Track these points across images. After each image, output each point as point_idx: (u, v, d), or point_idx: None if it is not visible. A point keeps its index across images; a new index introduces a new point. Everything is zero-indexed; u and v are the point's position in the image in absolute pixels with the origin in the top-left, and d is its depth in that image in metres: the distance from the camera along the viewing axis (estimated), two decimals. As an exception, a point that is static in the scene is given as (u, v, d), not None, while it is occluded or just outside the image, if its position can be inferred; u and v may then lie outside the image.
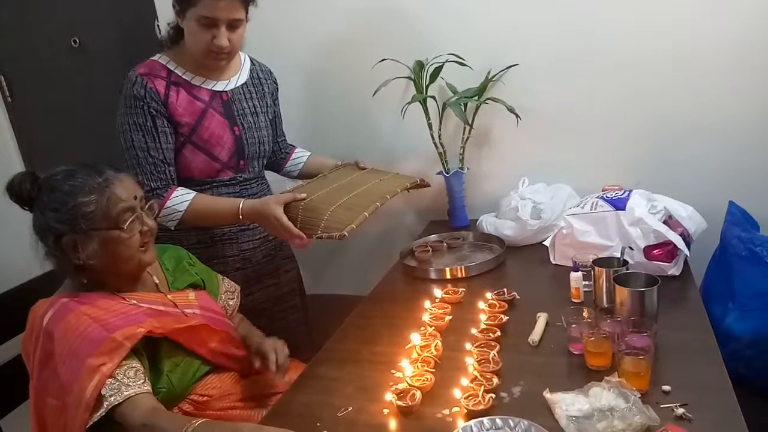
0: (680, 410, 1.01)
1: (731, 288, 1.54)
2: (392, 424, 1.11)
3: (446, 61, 1.96)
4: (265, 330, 1.53)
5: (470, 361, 1.22)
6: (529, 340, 1.31)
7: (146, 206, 1.26)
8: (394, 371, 1.26)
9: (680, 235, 1.51)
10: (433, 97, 2.02)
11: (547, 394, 1.08)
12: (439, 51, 1.97)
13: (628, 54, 1.88)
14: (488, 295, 1.52)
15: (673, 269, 1.53)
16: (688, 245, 1.52)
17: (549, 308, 1.41)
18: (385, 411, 1.14)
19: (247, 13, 1.56)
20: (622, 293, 1.26)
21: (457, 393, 1.13)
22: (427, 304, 1.52)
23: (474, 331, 1.36)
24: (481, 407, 1.07)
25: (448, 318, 1.43)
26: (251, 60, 1.78)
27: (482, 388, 1.11)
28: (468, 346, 1.28)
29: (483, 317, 1.41)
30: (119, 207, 1.19)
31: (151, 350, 1.23)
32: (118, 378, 1.11)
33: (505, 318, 1.39)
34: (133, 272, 1.27)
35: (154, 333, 1.21)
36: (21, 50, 2.71)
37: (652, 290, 1.25)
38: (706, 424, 0.99)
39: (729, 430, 0.98)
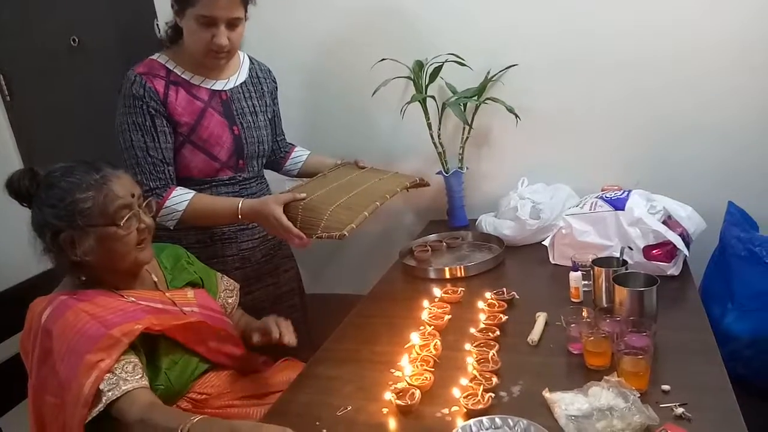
0: (679, 410, 1.01)
1: (730, 288, 1.54)
2: (391, 423, 1.11)
3: (446, 61, 1.96)
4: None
5: (470, 361, 1.21)
6: (528, 339, 1.31)
7: (144, 204, 1.26)
8: (393, 370, 1.26)
9: (679, 235, 1.51)
10: (433, 97, 2.02)
11: (546, 394, 1.08)
12: (439, 51, 1.97)
13: (628, 54, 1.88)
14: (487, 294, 1.51)
15: (673, 269, 1.53)
16: (687, 245, 1.52)
17: (548, 308, 1.41)
18: (385, 410, 1.14)
19: (246, 11, 1.56)
20: (622, 293, 1.26)
21: (456, 392, 1.13)
22: (426, 303, 1.52)
23: (473, 330, 1.36)
24: (480, 406, 1.07)
25: (447, 317, 1.43)
26: (250, 59, 1.78)
27: (481, 388, 1.11)
28: (467, 345, 1.28)
29: (482, 317, 1.41)
30: (116, 204, 1.19)
31: (150, 347, 1.23)
32: (116, 373, 1.11)
33: (504, 317, 1.39)
34: (130, 270, 1.27)
35: (152, 330, 1.21)
36: (20, 49, 2.71)
37: (652, 290, 1.25)
38: (705, 423, 0.99)
39: (728, 429, 0.98)
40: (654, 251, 1.52)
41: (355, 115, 2.22)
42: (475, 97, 1.96)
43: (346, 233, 1.39)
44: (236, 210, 1.53)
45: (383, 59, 1.99)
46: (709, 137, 1.87)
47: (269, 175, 1.89)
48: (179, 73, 1.61)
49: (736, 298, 1.53)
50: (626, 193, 1.64)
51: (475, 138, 2.06)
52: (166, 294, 1.33)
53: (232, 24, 1.53)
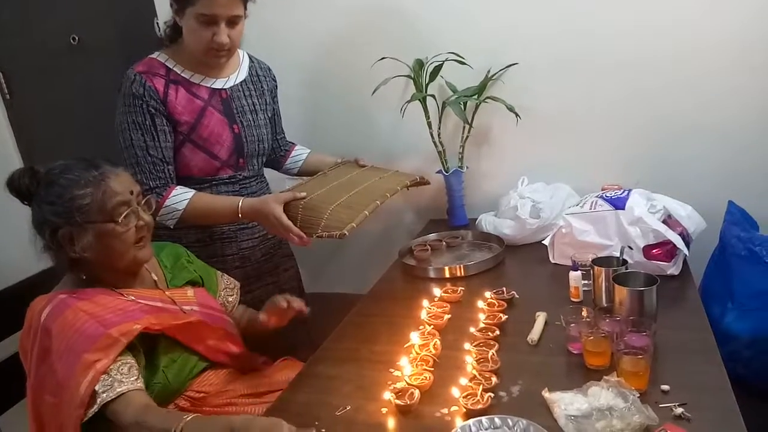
0: (679, 410, 1.01)
1: (730, 288, 1.54)
2: (391, 423, 1.11)
3: (446, 60, 1.96)
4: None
5: (469, 360, 1.21)
6: (528, 339, 1.31)
7: (143, 201, 1.26)
8: (392, 370, 1.26)
9: (679, 235, 1.51)
10: (433, 96, 2.02)
11: (545, 394, 1.08)
12: (439, 50, 1.97)
13: (628, 54, 1.88)
14: (487, 294, 1.51)
15: (673, 269, 1.53)
16: (687, 245, 1.52)
17: (548, 307, 1.41)
18: (384, 410, 1.14)
19: (245, 8, 1.56)
20: (621, 293, 1.26)
21: (455, 392, 1.13)
22: (426, 302, 1.52)
23: (473, 330, 1.36)
24: (479, 406, 1.07)
25: (447, 317, 1.42)
26: (250, 57, 1.78)
27: (481, 387, 1.11)
28: (467, 345, 1.28)
29: (482, 316, 1.41)
30: (114, 200, 1.19)
31: (149, 346, 1.23)
32: (111, 374, 1.11)
33: (504, 317, 1.39)
34: (129, 268, 1.27)
35: (151, 329, 1.20)
36: (20, 48, 2.70)
37: (651, 290, 1.25)
38: (704, 423, 0.99)
39: (727, 429, 0.98)
40: (654, 251, 1.52)
41: (355, 114, 2.22)
42: (476, 96, 1.96)
43: (346, 232, 1.39)
44: (236, 209, 1.53)
45: (383, 58, 1.99)
46: (709, 137, 1.87)
47: (269, 173, 1.89)
48: (179, 72, 1.61)
49: (736, 298, 1.53)
50: (626, 192, 1.64)
51: (475, 137, 2.06)
52: (166, 293, 1.33)
53: (232, 22, 1.53)
